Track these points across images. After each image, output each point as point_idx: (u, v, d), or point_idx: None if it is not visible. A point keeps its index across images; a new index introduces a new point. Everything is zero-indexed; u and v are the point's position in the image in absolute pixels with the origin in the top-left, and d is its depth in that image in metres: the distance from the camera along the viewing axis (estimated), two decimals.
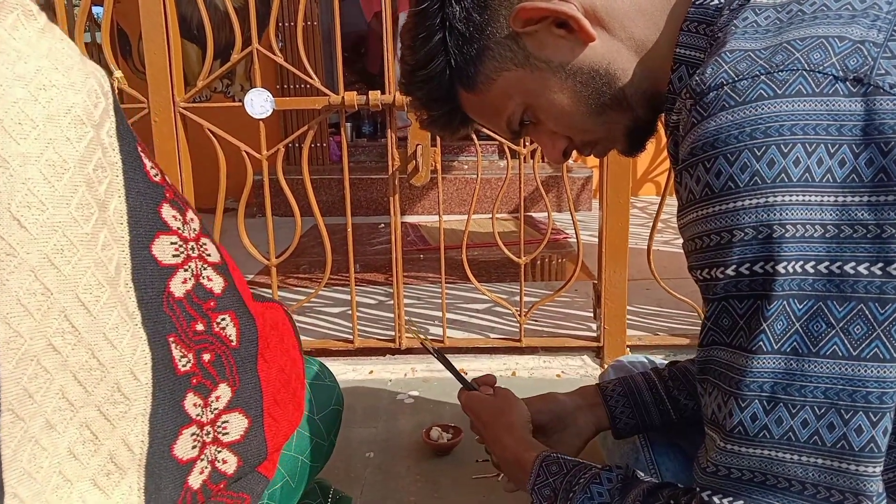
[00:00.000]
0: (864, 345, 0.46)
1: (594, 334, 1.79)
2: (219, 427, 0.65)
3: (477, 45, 0.63)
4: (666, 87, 0.61)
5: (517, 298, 1.77)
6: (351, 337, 1.79)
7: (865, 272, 0.46)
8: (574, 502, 0.66)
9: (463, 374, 0.98)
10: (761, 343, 0.48)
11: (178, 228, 0.61)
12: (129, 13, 1.70)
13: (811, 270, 0.47)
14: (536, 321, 1.95)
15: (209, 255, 0.64)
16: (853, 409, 0.47)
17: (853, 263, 0.46)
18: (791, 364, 0.48)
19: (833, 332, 0.47)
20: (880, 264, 0.45)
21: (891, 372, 0.46)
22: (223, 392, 0.65)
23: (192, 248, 0.62)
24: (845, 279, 0.46)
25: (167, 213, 0.60)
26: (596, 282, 1.76)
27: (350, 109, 1.63)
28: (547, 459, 0.73)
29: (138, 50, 1.63)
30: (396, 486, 1.25)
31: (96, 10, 3.37)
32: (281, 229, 1.87)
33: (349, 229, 1.71)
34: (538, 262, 2.77)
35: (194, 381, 0.62)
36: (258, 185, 1.71)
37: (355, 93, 1.61)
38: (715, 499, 0.52)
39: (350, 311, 1.78)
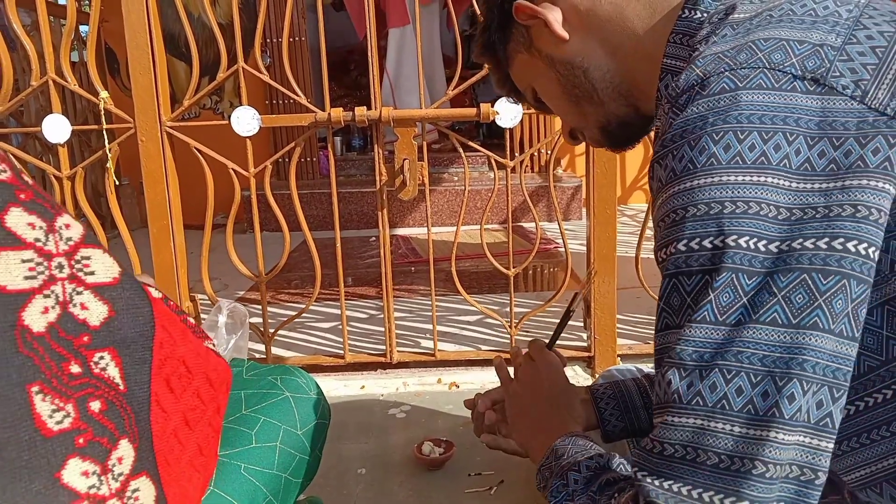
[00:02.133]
0: (804, 313, 0.47)
1: (585, 344, 1.79)
2: (129, 502, 0.50)
3: (505, 28, 0.75)
4: (645, 90, 0.68)
5: (508, 310, 1.77)
6: (342, 352, 1.79)
7: (811, 246, 0.47)
8: (551, 485, 0.67)
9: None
10: (706, 313, 0.49)
11: (37, 240, 0.47)
12: (117, 32, 1.71)
13: (763, 249, 0.48)
14: (528, 332, 1.95)
15: (90, 273, 0.50)
16: (787, 376, 0.47)
17: (801, 240, 0.47)
18: (731, 332, 0.48)
19: (774, 300, 0.47)
20: (826, 239, 0.47)
21: (827, 343, 0.47)
22: (125, 451, 0.50)
23: (60, 267, 0.48)
24: (791, 253, 0.47)
25: (17, 220, 0.46)
26: (585, 292, 1.76)
27: (337, 125, 1.64)
28: (557, 445, 0.73)
29: (126, 68, 1.63)
30: (388, 502, 1.25)
31: (84, 28, 3.38)
32: (272, 244, 1.87)
33: (338, 244, 1.71)
34: (529, 272, 2.77)
35: (81, 440, 0.47)
36: (247, 201, 1.72)
37: (342, 109, 1.62)
38: (648, 480, 0.51)
39: (341, 326, 1.78)
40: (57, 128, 1.60)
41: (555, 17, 0.69)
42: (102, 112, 1.61)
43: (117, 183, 1.65)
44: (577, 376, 1.74)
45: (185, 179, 1.72)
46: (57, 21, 3.31)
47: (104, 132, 1.61)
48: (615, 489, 0.59)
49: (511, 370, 0.98)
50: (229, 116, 1.59)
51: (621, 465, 0.65)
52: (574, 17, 0.69)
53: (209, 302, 1.72)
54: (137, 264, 1.70)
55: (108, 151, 1.62)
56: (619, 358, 1.73)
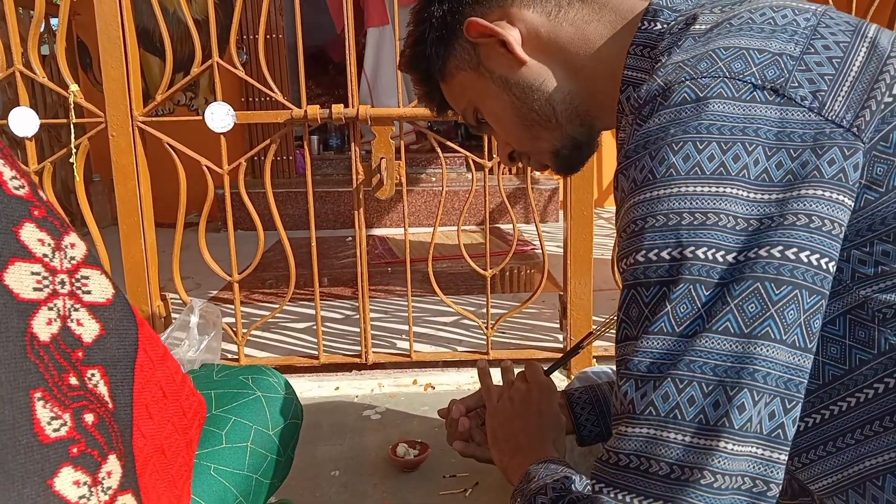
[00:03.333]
0: (756, 323, 0.47)
1: (561, 345, 1.79)
2: None
3: (446, 43, 0.71)
4: (606, 107, 0.66)
5: (485, 311, 1.76)
6: (316, 353, 1.77)
7: (766, 254, 0.47)
8: None
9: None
10: (662, 324, 0.49)
11: (45, 255, 0.50)
12: (89, 26, 1.67)
13: (721, 259, 0.48)
14: (504, 333, 1.95)
15: (87, 292, 0.53)
16: (738, 386, 0.46)
17: (756, 248, 0.47)
18: (686, 343, 0.48)
19: (727, 309, 0.47)
20: (780, 247, 0.47)
21: (779, 353, 0.47)
22: (114, 466, 0.51)
23: (62, 283, 0.51)
24: (747, 262, 0.47)
25: (30, 235, 0.49)
26: (562, 293, 1.76)
27: (313, 123, 1.62)
28: (530, 469, 0.71)
29: (99, 63, 1.60)
30: None
31: (56, 22, 3.30)
32: (246, 243, 1.84)
33: (313, 243, 1.69)
34: (506, 273, 2.78)
35: (74, 449, 0.48)
36: (221, 199, 1.69)
37: (318, 106, 1.60)
38: (603, 492, 0.50)
39: (315, 327, 1.76)
40: (24, 121, 1.56)
41: (514, 38, 0.66)
42: (72, 105, 1.57)
43: (77, 179, 1.61)
44: (553, 377, 1.74)
45: (158, 176, 1.68)
46: (26, 12, 3.24)
47: (72, 126, 1.57)
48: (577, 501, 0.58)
49: (497, 381, 0.97)
50: (204, 113, 1.56)
51: (588, 486, 0.64)
52: (534, 39, 0.67)
53: (181, 301, 1.69)
54: (107, 262, 1.66)
55: (72, 147, 1.58)
56: (594, 359, 1.74)
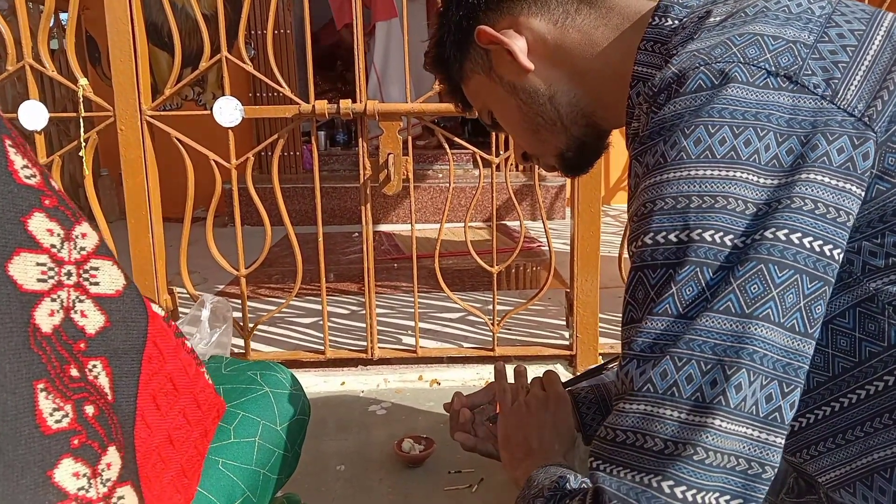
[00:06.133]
0: (757, 304, 0.47)
1: (567, 342, 1.79)
2: None
3: (462, 47, 0.74)
4: (613, 107, 0.67)
5: (491, 307, 1.76)
6: (322, 348, 1.77)
7: (770, 236, 0.47)
8: None
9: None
10: (667, 306, 0.49)
11: (53, 246, 0.49)
12: (99, 20, 1.68)
13: (728, 243, 0.48)
14: (510, 330, 1.95)
15: (94, 283, 0.53)
16: (736, 365, 0.46)
17: (762, 230, 0.48)
18: (688, 324, 0.48)
19: (730, 289, 0.47)
20: (785, 230, 0.47)
21: (777, 336, 0.47)
22: (113, 458, 0.51)
23: (69, 274, 0.51)
24: (752, 244, 0.47)
25: (38, 224, 0.49)
26: (568, 290, 1.76)
27: (321, 118, 1.62)
28: (532, 475, 0.71)
29: (108, 57, 1.60)
30: (368, 499, 1.24)
31: (65, 16, 3.31)
32: (254, 238, 1.84)
33: (320, 238, 1.69)
34: (512, 270, 2.77)
35: (75, 441, 0.48)
36: (229, 194, 1.69)
37: (326, 101, 1.60)
38: (601, 468, 0.50)
39: (322, 322, 1.76)
40: (34, 114, 1.56)
41: (520, 47, 0.68)
42: (81, 99, 1.58)
43: (86, 173, 1.62)
44: (556, 369, 1.74)
45: (166, 171, 1.69)
46: (36, 7, 3.25)
47: (81, 120, 1.58)
48: (569, 498, 0.58)
49: (510, 381, 0.97)
50: (211, 108, 1.56)
51: (583, 483, 0.64)
52: (541, 47, 0.68)
53: (188, 295, 1.70)
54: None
55: (82, 140, 1.58)
56: (600, 356, 1.74)
